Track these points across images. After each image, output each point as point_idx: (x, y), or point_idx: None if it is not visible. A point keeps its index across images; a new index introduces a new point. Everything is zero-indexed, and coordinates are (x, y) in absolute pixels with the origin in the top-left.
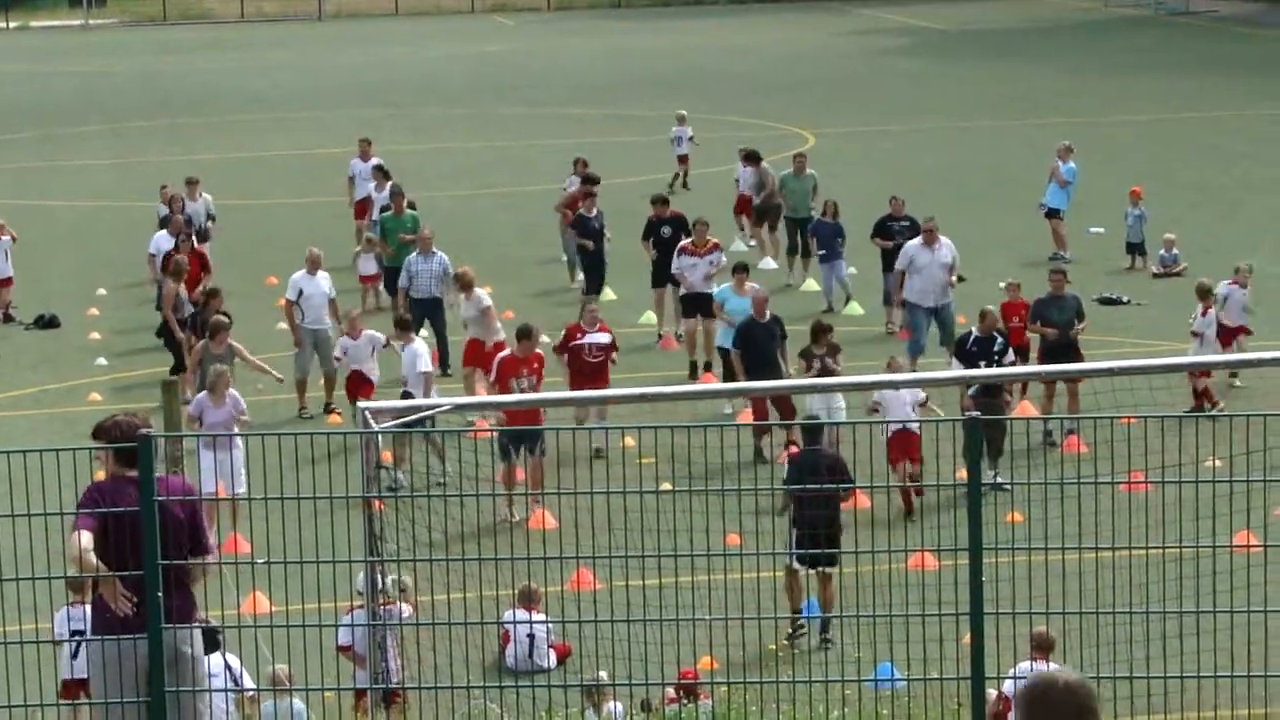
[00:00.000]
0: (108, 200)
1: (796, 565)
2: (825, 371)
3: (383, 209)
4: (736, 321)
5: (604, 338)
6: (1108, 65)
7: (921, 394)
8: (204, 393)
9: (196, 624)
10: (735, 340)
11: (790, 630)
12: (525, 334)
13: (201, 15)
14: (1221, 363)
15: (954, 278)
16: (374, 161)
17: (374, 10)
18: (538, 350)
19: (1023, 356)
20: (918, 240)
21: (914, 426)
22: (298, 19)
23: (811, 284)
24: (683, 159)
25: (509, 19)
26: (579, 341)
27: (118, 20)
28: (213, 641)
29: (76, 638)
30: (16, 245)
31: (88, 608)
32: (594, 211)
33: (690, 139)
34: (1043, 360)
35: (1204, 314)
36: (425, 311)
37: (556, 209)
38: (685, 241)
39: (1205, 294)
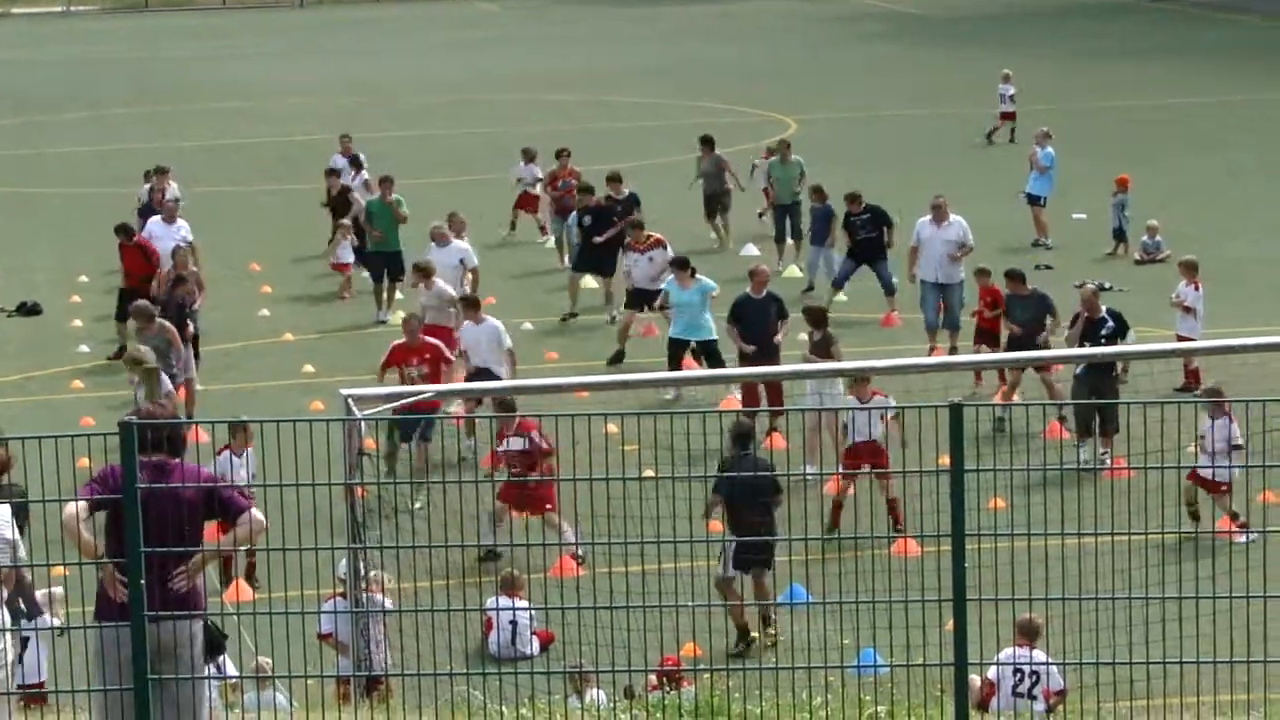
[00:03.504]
0: (89, 187)
1: (733, 572)
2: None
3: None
4: (682, 315)
5: (516, 444)
6: (1089, 51)
7: (892, 402)
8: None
9: (199, 613)
10: (730, 314)
11: (738, 643)
12: (408, 320)
13: (183, 2)
14: (1210, 349)
15: (962, 255)
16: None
17: None
18: (430, 341)
19: (994, 343)
20: (927, 217)
21: (879, 440)
22: (279, 6)
23: (794, 270)
24: (1007, 115)
25: (493, 5)
26: (500, 448)
27: (99, 7)
28: (216, 647)
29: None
30: None
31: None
32: (623, 194)
33: (1012, 97)
34: (1010, 350)
35: (1196, 288)
36: None
37: (544, 191)
38: (628, 238)
39: (1192, 269)
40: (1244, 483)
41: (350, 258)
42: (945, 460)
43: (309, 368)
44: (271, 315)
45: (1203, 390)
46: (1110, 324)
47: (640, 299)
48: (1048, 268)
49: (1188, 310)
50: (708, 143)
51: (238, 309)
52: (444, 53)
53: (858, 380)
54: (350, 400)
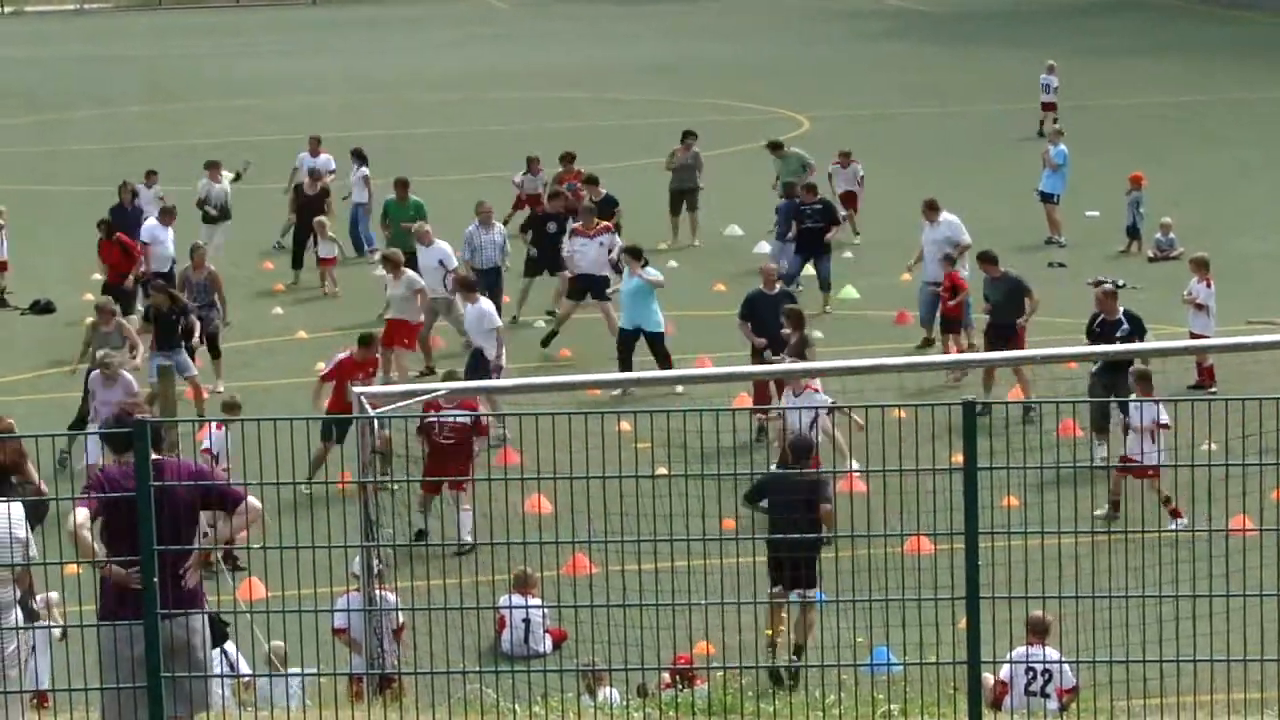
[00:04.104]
0: (102, 185)
1: (779, 591)
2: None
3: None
4: (624, 306)
5: (460, 414)
6: (1099, 48)
7: (825, 399)
8: (97, 371)
9: (202, 610)
10: (741, 311)
11: (790, 677)
12: (366, 342)
13: (196, 0)
14: (1223, 346)
15: (958, 254)
16: (324, 156)
17: None
18: (375, 356)
19: (953, 329)
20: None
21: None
22: (291, 4)
23: (764, 246)
24: (1048, 106)
25: (501, 3)
26: (431, 419)
27: (112, 5)
28: (220, 634)
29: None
30: (11, 230)
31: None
32: (601, 195)
33: (1055, 89)
34: (986, 335)
35: (1207, 285)
36: (488, 280)
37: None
38: (576, 224)
39: (1204, 266)
40: (1258, 480)
41: (334, 252)
42: (958, 458)
43: (321, 366)
44: (284, 314)
45: (1132, 371)
46: (1125, 326)
47: (585, 286)
48: (1061, 265)
49: (1200, 307)
50: (691, 135)
51: (251, 307)
52: (453, 50)
53: (793, 376)
54: (363, 399)
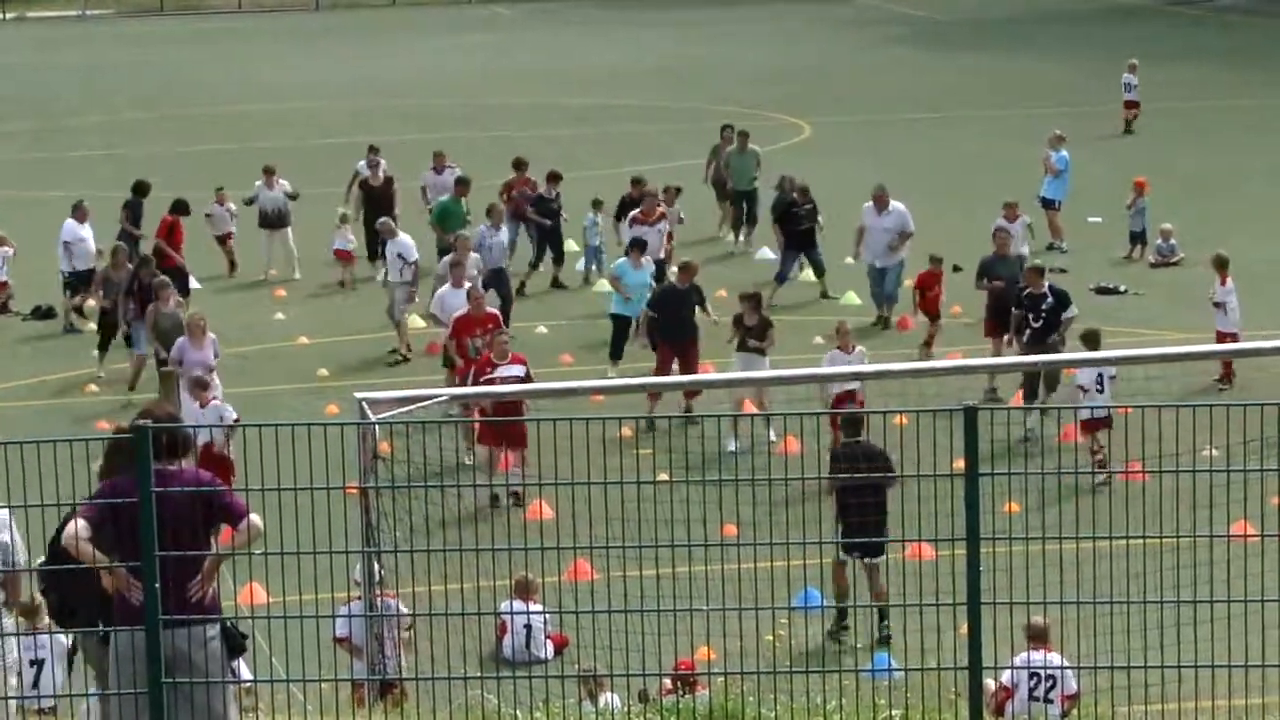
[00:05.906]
0: (104, 190)
1: (844, 556)
2: (743, 344)
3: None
4: (632, 295)
5: (516, 370)
6: (1105, 55)
7: (864, 350)
8: (183, 338)
9: (211, 619)
10: (650, 303)
11: (835, 624)
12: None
13: (198, 6)
14: (1222, 352)
15: (901, 242)
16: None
17: (371, 0)
18: (491, 311)
19: (933, 319)
20: (870, 204)
21: (857, 389)
22: (295, 10)
23: (766, 252)
24: (1130, 105)
25: (506, 9)
26: (489, 376)
27: (115, 11)
28: (235, 649)
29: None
30: (15, 249)
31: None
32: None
33: (1136, 86)
34: (989, 315)
35: (1224, 284)
36: (494, 281)
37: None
38: (635, 211)
39: (1224, 265)
40: (1259, 486)
41: (350, 244)
42: (960, 464)
43: (323, 371)
44: (286, 319)
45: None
46: (1050, 299)
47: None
48: (1062, 271)
49: (1218, 305)
50: (729, 128)
51: (253, 313)
52: (458, 55)
53: (840, 333)
54: (364, 404)
